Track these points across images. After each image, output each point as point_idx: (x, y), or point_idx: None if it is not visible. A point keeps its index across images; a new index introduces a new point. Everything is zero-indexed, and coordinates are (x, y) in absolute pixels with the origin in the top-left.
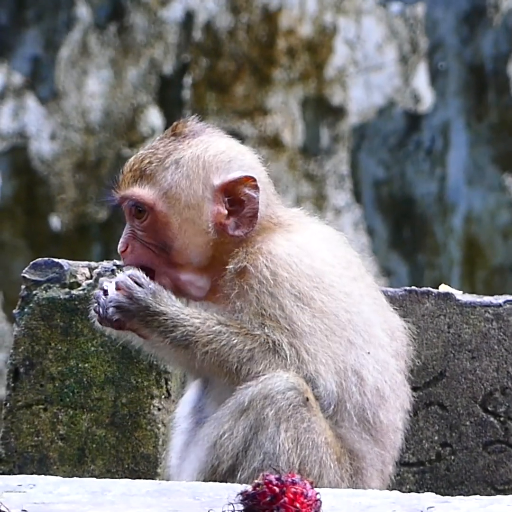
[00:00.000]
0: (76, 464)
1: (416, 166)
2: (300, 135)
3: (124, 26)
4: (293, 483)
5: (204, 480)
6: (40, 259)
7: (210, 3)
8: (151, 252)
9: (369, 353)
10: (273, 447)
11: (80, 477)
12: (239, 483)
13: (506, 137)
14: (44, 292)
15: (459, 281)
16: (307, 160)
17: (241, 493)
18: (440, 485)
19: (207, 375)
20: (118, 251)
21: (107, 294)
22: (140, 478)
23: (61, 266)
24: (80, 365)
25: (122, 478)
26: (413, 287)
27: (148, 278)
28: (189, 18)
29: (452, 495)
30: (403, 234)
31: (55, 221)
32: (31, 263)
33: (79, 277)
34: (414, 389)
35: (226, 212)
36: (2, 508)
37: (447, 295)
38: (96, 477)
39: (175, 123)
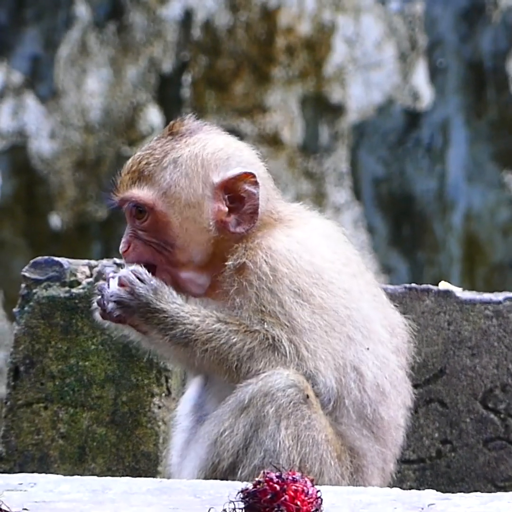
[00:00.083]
0: (77, 462)
1: (416, 163)
2: (299, 133)
3: (123, 24)
4: (294, 480)
5: (205, 478)
6: (40, 257)
7: (209, 1)
8: (152, 250)
9: (368, 349)
10: (273, 445)
11: (80, 475)
12: (240, 480)
13: (506, 134)
14: (44, 290)
15: (459, 278)
16: (306, 158)
17: (242, 491)
18: (441, 482)
19: (207, 372)
20: (120, 251)
21: (110, 287)
22: (140, 476)
23: (61, 265)
24: (80, 363)
25: (122, 476)
26: (413, 285)
27: (150, 274)
28: (188, 16)
29: (453, 492)
30: (403, 232)
31: (55, 220)
32: (31, 261)
33: (79, 275)
34: (414, 386)
35: (226, 209)
36: (3, 507)
37: (447, 292)
38: (97, 475)
39: (171, 122)
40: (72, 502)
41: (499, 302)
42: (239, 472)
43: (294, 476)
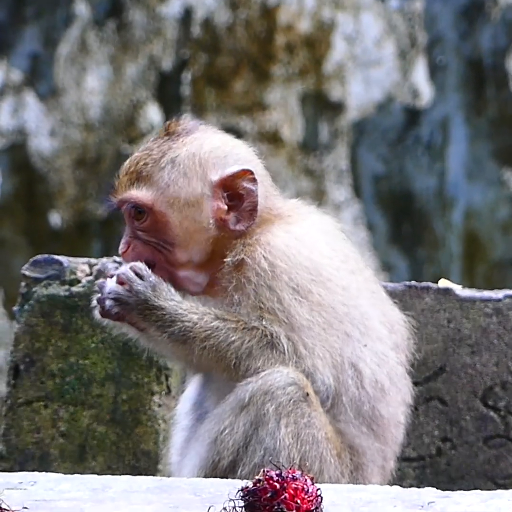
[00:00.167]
0: (77, 461)
1: (416, 161)
2: (299, 130)
3: (123, 22)
4: (294, 479)
5: (205, 476)
6: (40, 256)
7: None
8: (152, 249)
9: (366, 346)
10: (273, 443)
11: (81, 473)
12: (240, 479)
13: (506, 131)
14: (44, 289)
15: (458, 275)
16: (306, 155)
17: (242, 489)
18: (441, 480)
19: (205, 370)
20: (119, 252)
21: (108, 285)
22: (140, 474)
23: (61, 263)
24: (80, 361)
25: (122, 474)
26: (413, 282)
27: (149, 270)
28: (187, 14)
29: (453, 490)
30: (403, 229)
31: (55, 218)
32: (31, 260)
33: (79, 274)
34: (414, 384)
35: (226, 207)
36: (3, 506)
37: (447, 290)
38: (97, 473)
39: (167, 123)
40: (72, 500)
41: (499, 300)
42: (239, 471)
43: (294, 474)
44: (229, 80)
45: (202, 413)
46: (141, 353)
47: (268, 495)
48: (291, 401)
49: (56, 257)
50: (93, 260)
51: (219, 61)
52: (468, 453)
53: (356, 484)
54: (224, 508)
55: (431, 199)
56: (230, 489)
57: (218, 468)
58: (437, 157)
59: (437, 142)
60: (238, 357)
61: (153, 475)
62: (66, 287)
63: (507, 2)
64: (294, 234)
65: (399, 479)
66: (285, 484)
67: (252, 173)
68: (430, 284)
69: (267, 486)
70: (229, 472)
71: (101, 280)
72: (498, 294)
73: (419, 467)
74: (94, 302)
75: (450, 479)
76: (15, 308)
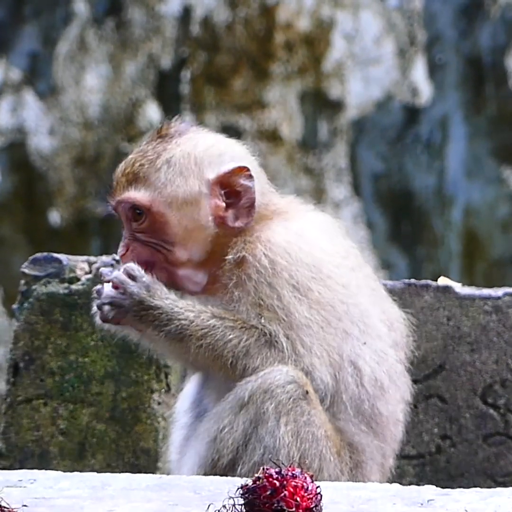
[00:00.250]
0: (77, 458)
1: (415, 159)
2: (298, 129)
3: (122, 21)
4: (293, 476)
5: (205, 474)
6: (39, 254)
7: None
8: (151, 250)
9: (365, 343)
10: (273, 441)
11: (80, 471)
12: (240, 477)
13: (505, 129)
14: (43, 287)
15: (458, 273)
16: (305, 153)
17: (242, 487)
18: (440, 477)
19: (203, 369)
20: (118, 255)
21: (104, 290)
22: (140, 472)
23: (60, 261)
24: (79, 359)
25: (122, 472)
26: (412, 280)
27: (144, 270)
28: (186, 12)
29: (452, 488)
30: (402, 227)
31: (54, 216)
32: (31, 258)
33: (78, 272)
34: (413, 381)
35: (224, 205)
36: (3, 503)
37: (446, 288)
38: (97, 471)
39: (159, 126)
40: (71, 498)
41: (499, 298)
42: (239, 469)
43: (293, 472)
44: (228, 79)
45: (201, 411)
46: (140, 351)
47: (268, 493)
48: (291, 399)
49: (55, 255)
50: (92, 258)
51: (218, 60)
52: (468, 451)
53: (356, 481)
54: (224, 506)
55: (430, 197)
56: (230, 487)
57: (218, 466)
58: (436, 155)
59: (436, 140)
60: (235, 356)
61: (153, 473)
62: (66, 285)
63: (507, 0)
64: (294, 230)
65: (399, 477)
66: (285, 482)
67: (248, 169)
68: (430, 282)
69: (267, 484)
70: (228, 470)
71: (98, 286)
72: (498, 292)
73: (418, 464)
74: (94, 308)
75: (449, 477)
76: (14, 306)
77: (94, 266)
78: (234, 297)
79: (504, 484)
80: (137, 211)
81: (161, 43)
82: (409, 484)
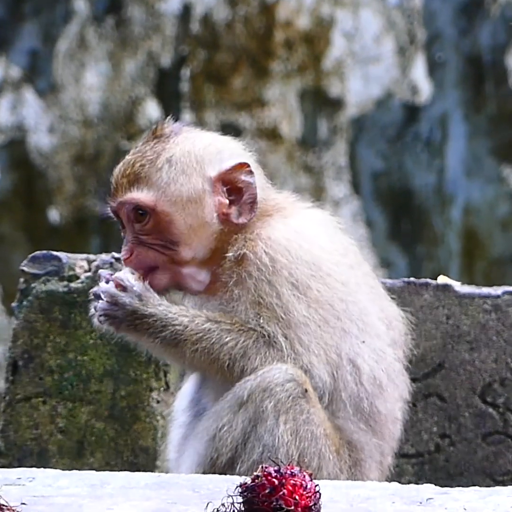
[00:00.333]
0: (75, 457)
1: (415, 157)
2: (298, 127)
3: (121, 18)
4: (292, 475)
5: (203, 473)
6: (38, 252)
7: None
8: (155, 252)
9: (363, 342)
10: (272, 440)
11: (79, 470)
12: (239, 475)
13: (505, 128)
14: (42, 285)
15: (457, 272)
16: (305, 152)
17: (240, 485)
18: (439, 476)
19: (201, 372)
20: (122, 258)
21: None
22: (139, 470)
23: (59, 259)
24: (78, 358)
25: (121, 470)
26: (412, 279)
27: (135, 277)
28: (186, 10)
29: (451, 487)
30: (402, 226)
31: (54, 214)
32: (30, 256)
33: (77, 270)
34: (413, 380)
35: (227, 201)
36: (2, 501)
37: (446, 287)
38: (95, 470)
39: (153, 127)
40: (70, 496)
41: (498, 296)
42: (238, 467)
43: (292, 470)
44: (228, 77)
45: (200, 409)
46: (139, 349)
47: (267, 491)
48: (290, 398)
49: (55, 253)
50: (91, 256)
51: (218, 58)
52: (467, 449)
53: (355, 480)
54: (223, 504)
55: (430, 195)
56: (229, 485)
57: (217, 465)
58: (436, 154)
59: (436, 138)
60: (232, 358)
61: (152, 471)
62: (65, 283)
63: None
64: (294, 228)
65: (398, 476)
66: (284, 480)
67: (248, 165)
68: (429, 280)
69: (266, 482)
70: (227, 469)
71: (95, 288)
72: (497, 290)
73: (417, 463)
74: (92, 310)
75: (448, 476)
76: (13, 304)
77: (94, 264)
78: (234, 295)
79: (503, 483)
80: (140, 212)
81: (161, 41)
82: (408, 483)
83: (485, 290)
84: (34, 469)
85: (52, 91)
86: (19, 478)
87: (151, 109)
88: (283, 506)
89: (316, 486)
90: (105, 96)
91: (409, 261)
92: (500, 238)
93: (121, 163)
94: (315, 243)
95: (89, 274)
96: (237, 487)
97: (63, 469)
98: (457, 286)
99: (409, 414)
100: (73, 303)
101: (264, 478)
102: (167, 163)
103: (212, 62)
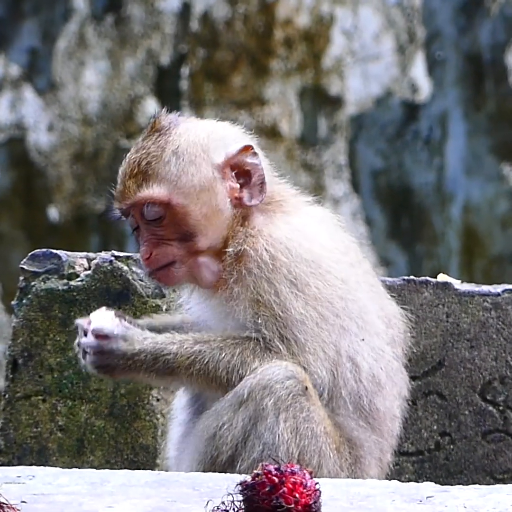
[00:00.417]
0: (75, 455)
1: (414, 156)
2: (297, 125)
3: (121, 17)
4: (292, 473)
5: (203, 471)
6: (38, 250)
7: None
8: (172, 247)
9: (363, 340)
10: (272, 438)
11: (79, 468)
12: (239, 473)
13: (504, 126)
14: (42, 283)
15: (457, 270)
16: (305, 150)
17: (241, 484)
18: (439, 474)
19: (204, 392)
20: (141, 258)
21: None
22: (139, 468)
23: (59, 257)
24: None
25: (121, 469)
26: (412, 277)
27: (111, 318)
28: (186, 8)
29: (451, 485)
30: (402, 224)
31: (53, 212)
32: (29, 254)
33: (77, 268)
34: (413, 378)
35: (238, 185)
36: (2, 500)
37: (446, 285)
38: (95, 468)
39: (151, 121)
40: (70, 494)
41: (498, 294)
42: (238, 465)
43: (292, 468)
44: (228, 75)
45: (200, 407)
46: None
47: (267, 489)
48: (290, 395)
49: (54, 251)
50: (91, 255)
51: (217, 56)
52: (467, 447)
53: (355, 477)
54: (223, 502)
55: (429, 194)
56: (229, 483)
57: (217, 463)
58: (435, 152)
59: (435, 137)
60: (230, 371)
61: (152, 469)
62: (65, 281)
63: None
64: (295, 225)
65: (398, 474)
66: (284, 478)
67: (253, 147)
68: (429, 278)
69: (266, 480)
70: (227, 467)
71: (77, 339)
72: (497, 288)
73: (417, 461)
74: (83, 361)
75: (448, 474)
76: (13, 302)
77: (93, 262)
78: (233, 293)
79: (503, 481)
80: (155, 209)
81: (160, 39)
82: (408, 481)
83: (485, 288)
84: (34, 467)
85: (51, 89)
86: (19, 476)
87: (151, 107)
88: (283, 504)
89: (316, 484)
90: (105, 95)
91: (408, 259)
92: (500, 236)
93: (125, 164)
94: (316, 241)
95: (88, 272)
96: (237, 485)
97: (63, 467)
98: (457, 284)
99: (409, 412)
100: (72, 301)
101: (264, 476)
102: (174, 156)
103: (211, 60)
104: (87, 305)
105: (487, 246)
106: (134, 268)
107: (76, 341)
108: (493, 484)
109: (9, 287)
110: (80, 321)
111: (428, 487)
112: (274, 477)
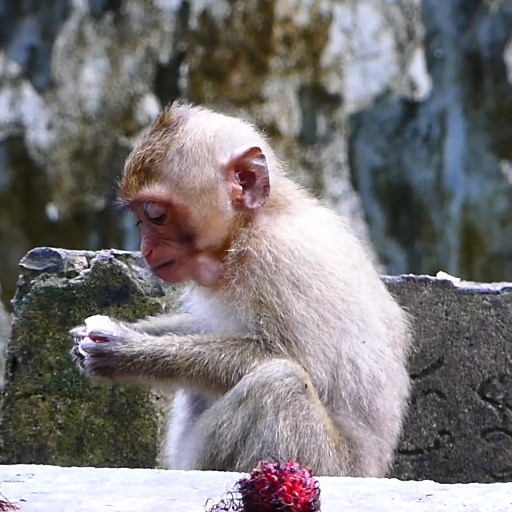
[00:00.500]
0: (75, 453)
1: (413, 153)
2: (297, 123)
3: (120, 15)
4: (292, 471)
5: (203, 469)
6: (37, 248)
7: None
8: (172, 247)
9: (364, 342)
10: (271, 436)
11: (78, 466)
12: (238, 472)
13: (503, 124)
14: (41, 281)
15: (456, 268)
16: (304, 148)
17: (240, 482)
18: (439, 472)
19: (204, 394)
20: (142, 255)
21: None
22: (138, 467)
23: (58, 255)
24: None
25: (120, 467)
26: (411, 275)
27: (108, 322)
28: (185, 6)
29: (451, 483)
30: (401, 222)
31: (53, 211)
32: (29, 252)
33: (76, 266)
34: (412, 376)
35: (240, 187)
36: (1, 498)
37: (445, 283)
38: (95, 466)
39: (160, 114)
40: (70, 493)
41: (497, 292)
42: (237, 463)
43: (292, 466)
44: (227, 73)
45: (199, 406)
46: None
47: (266, 487)
48: (290, 393)
49: (53, 249)
50: (90, 253)
51: (216, 54)
52: (466, 446)
53: (354, 476)
54: (222, 501)
55: (429, 192)
56: (228, 481)
57: (216, 461)
58: (435, 150)
59: (435, 134)
60: (230, 371)
61: (151, 467)
62: (64, 279)
63: None
64: (298, 227)
65: (397, 472)
66: (283, 477)
67: (260, 150)
68: (428, 276)
69: (265, 478)
70: (227, 465)
71: (74, 347)
72: (496, 286)
73: (417, 460)
74: (81, 369)
75: (448, 472)
76: (13, 300)
77: (93, 260)
78: (235, 293)
79: (503, 479)
80: (155, 208)
81: (159, 37)
82: (408, 479)
83: (484, 286)
84: (33, 465)
85: (50, 87)
86: (19, 475)
87: (150, 105)
88: (283, 502)
89: (315, 482)
90: (104, 93)
91: (408, 257)
92: (499, 234)
93: (130, 158)
94: (319, 242)
95: (88, 270)
96: (236, 483)
97: (62, 466)
98: (456, 282)
99: (408, 410)
100: (72, 299)
101: (263, 475)
102: (178, 155)
103: (210, 58)
104: (87, 303)
105: (486, 244)
106: (133, 266)
107: (72, 349)
108: (492, 482)
109: (9, 285)
110: (75, 330)
111: (428, 485)
112: (273, 476)
